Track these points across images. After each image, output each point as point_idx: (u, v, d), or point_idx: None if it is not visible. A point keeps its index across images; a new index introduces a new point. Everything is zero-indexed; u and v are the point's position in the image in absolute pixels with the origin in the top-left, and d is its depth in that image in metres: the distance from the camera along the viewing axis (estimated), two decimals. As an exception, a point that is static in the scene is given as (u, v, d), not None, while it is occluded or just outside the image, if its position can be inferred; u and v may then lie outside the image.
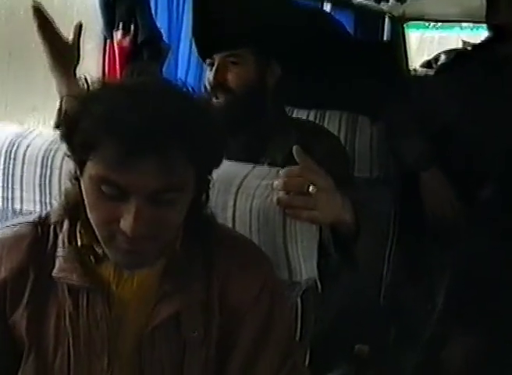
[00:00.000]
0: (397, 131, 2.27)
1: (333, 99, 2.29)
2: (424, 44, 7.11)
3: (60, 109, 1.59)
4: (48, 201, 1.43)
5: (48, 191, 1.42)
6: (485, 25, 2.29)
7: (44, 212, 1.20)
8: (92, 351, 1.10)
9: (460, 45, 6.28)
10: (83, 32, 1.67)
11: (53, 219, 1.16)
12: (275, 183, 1.23)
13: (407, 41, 4.79)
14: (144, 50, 2.31)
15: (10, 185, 1.46)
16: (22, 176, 1.44)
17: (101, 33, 2.33)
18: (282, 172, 1.24)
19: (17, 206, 1.47)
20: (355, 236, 1.34)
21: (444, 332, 2.21)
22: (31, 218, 1.18)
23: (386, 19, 4.58)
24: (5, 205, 1.48)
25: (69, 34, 1.65)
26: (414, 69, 5.35)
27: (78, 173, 1.05)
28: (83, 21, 1.67)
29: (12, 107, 2.01)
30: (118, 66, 2.29)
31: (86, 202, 1.04)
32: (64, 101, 1.12)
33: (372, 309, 2.26)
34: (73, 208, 1.11)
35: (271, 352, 1.15)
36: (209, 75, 1.69)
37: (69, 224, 1.13)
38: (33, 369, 1.11)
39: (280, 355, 1.16)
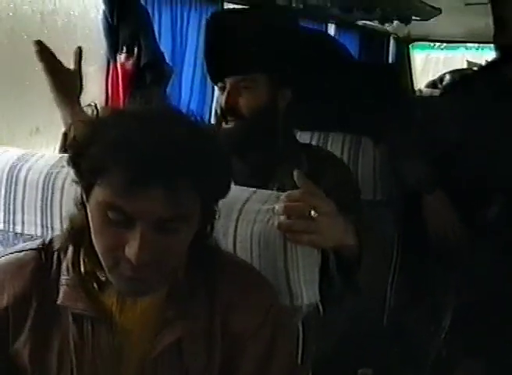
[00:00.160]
0: (400, 153, 2.27)
1: (337, 121, 2.29)
2: (430, 65, 7.11)
3: (66, 134, 1.59)
4: (49, 224, 1.42)
5: (49, 214, 1.42)
6: (490, 45, 2.29)
7: (47, 238, 1.19)
8: None
9: (465, 66, 6.30)
10: (85, 54, 1.68)
11: (57, 245, 1.15)
12: (277, 207, 1.23)
13: (412, 61, 4.81)
14: (147, 73, 2.33)
15: (12, 209, 1.46)
16: (23, 200, 1.44)
17: (105, 55, 2.35)
18: (283, 196, 1.24)
19: (18, 229, 1.46)
20: (358, 259, 1.34)
21: (451, 354, 2.19)
22: (35, 244, 1.18)
23: (391, 40, 4.60)
24: (7, 228, 1.48)
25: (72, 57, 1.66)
26: (420, 90, 5.37)
27: (84, 198, 1.05)
28: (86, 44, 1.69)
29: (15, 129, 2.02)
30: (121, 89, 2.31)
31: (91, 228, 1.04)
32: (73, 126, 1.12)
33: (375, 332, 2.25)
34: (78, 233, 1.10)
35: None
36: (220, 99, 1.68)
37: (73, 250, 1.12)
38: (37, 397, 1.10)
39: (283, 381, 1.15)
